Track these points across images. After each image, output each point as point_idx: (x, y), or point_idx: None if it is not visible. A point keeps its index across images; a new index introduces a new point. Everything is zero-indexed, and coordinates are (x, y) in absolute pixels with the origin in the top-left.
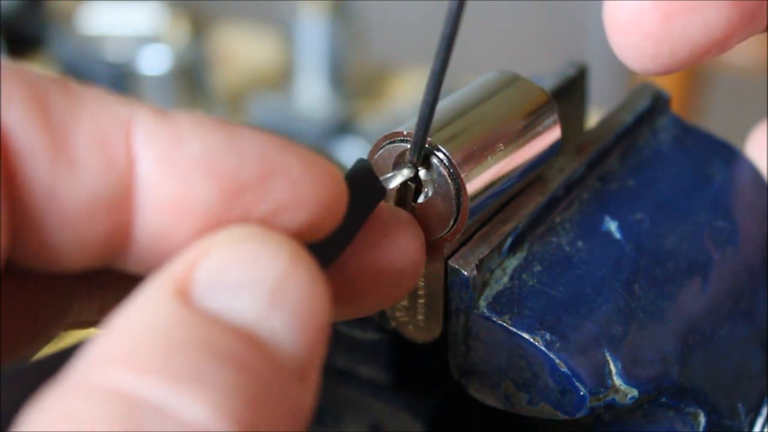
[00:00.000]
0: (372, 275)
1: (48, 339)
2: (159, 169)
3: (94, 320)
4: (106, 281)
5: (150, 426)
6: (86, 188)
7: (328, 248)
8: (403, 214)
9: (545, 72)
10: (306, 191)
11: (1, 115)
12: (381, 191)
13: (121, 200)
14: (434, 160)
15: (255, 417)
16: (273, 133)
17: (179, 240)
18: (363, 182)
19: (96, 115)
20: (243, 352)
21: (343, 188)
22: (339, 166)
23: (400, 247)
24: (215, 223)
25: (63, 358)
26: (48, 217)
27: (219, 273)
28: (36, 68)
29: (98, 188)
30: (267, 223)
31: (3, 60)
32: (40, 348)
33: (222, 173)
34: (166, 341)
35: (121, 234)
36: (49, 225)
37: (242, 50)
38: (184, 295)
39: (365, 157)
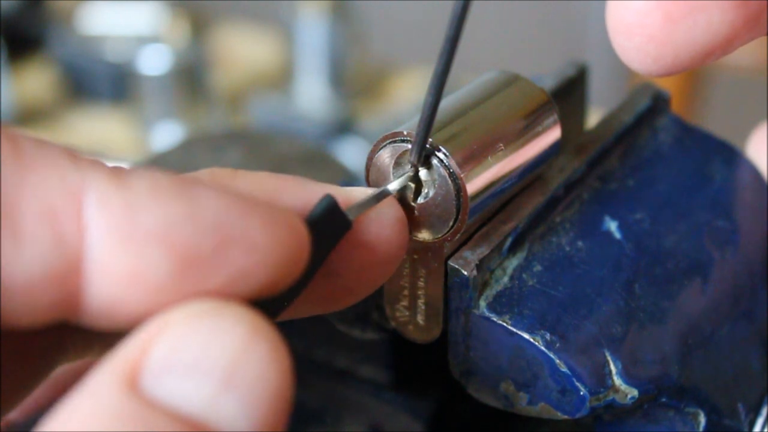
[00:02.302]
0: (353, 261)
1: (41, 379)
2: (110, 241)
3: (94, 357)
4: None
5: None
6: (33, 262)
7: (285, 294)
8: (389, 200)
9: (545, 72)
10: (264, 255)
11: None
12: (347, 224)
13: (68, 273)
14: (434, 161)
15: None
16: (233, 194)
17: (132, 309)
18: (328, 220)
19: (46, 185)
20: None
21: (305, 241)
22: (339, 166)
23: (380, 232)
24: (170, 293)
25: None
26: None
27: (171, 356)
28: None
29: (45, 262)
30: (225, 290)
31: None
32: (30, 386)
33: (177, 245)
34: None
35: (70, 302)
36: None
37: (242, 50)
38: (132, 384)
39: (365, 156)
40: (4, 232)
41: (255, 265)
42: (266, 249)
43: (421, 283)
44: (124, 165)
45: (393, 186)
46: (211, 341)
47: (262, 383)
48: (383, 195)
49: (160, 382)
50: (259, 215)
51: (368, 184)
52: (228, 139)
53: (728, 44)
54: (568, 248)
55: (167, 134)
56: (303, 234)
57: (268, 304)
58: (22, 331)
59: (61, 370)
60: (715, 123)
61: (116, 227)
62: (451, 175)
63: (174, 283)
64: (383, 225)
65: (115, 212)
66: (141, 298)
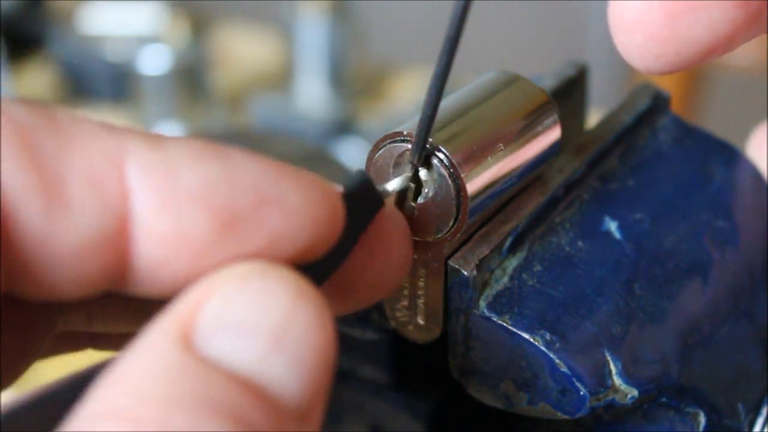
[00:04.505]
0: (357, 273)
1: (38, 351)
2: (154, 203)
3: (80, 330)
4: None
5: None
6: (81, 228)
7: (327, 262)
8: (390, 211)
9: (545, 72)
10: (302, 218)
11: None
12: (379, 201)
13: (116, 236)
14: (434, 161)
15: None
16: (267, 159)
17: (177, 271)
18: (361, 195)
19: (87, 152)
20: (243, 403)
21: (340, 209)
22: (339, 166)
23: (386, 246)
24: (211, 255)
25: (61, 397)
26: (44, 259)
27: (221, 315)
28: (20, 103)
29: (93, 227)
30: (264, 253)
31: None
32: (30, 362)
33: (217, 205)
34: (167, 396)
35: (118, 267)
36: (45, 266)
37: (242, 50)
38: (186, 341)
39: (365, 156)
40: (52, 202)
41: (292, 227)
42: (302, 211)
43: (421, 283)
44: None
45: (393, 186)
46: (260, 301)
47: (310, 343)
48: (411, 178)
49: (212, 340)
50: (293, 179)
51: None
52: (228, 139)
53: (730, 42)
54: (568, 248)
55: (167, 134)
56: (336, 199)
57: (308, 272)
58: (69, 302)
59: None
60: (715, 123)
61: (158, 190)
62: (451, 175)
63: (215, 243)
64: (388, 242)
65: (156, 175)
66: (185, 259)
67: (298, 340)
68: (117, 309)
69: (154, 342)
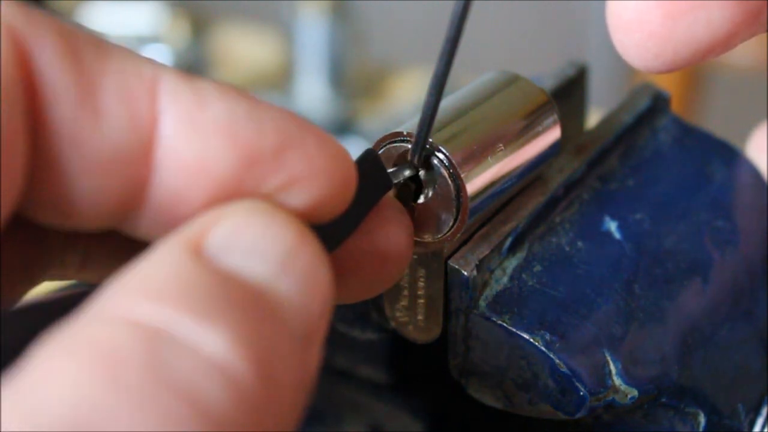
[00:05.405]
0: (357, 261)
1: (31, 286)
2: (181, 130)
3: (73, 274)
4: (91, 238)
5: (171, 356)
6: (108, 139)
7: (332, 233)
8: (392, 202)
9: (545, 72)
10: (319, 166)
11: (32, 51)
12: (388, 182)
13: (141, 156)
14: (434, 161)
15: (266, 363)
16: (288, 110)
17: (193, 203)
18: (371, 170)
19: (123, 70)
20: (255, 304)
21: (353, 170)
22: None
23: (388, 236)
24: (229, 189)
25: (68, 301)
26: (67, 165)
27: (231, 238)
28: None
29: (120, 141)
30: (279, 194)
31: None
32: (23, 294)
33: (241, 140)
34: (185, 284)
35: (137, 191)
36: (67, 173)
37: (242, 50)
38: (198, 252)
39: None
40: (84, 106)
41: (309, 175)
42: (319, 161)
43: (420, 283)
44: None
45: (395, 178)
46: (268, 232)
47: (312, 274)
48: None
49: (223, 256)
50: (314, 132)
51: None
52: None
53: (728, 40)
54: (568, 248)
55: None
56: (350, 162)
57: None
58: (72, 230)
59: None
60: (715, 123)
61: (187, 116)
62: (451, 175)
63: (235, 177)
64: (389, 232)
65: (186, 103)
66: (204, 189)
67: (303, 269)
68: (112, 260)
69: (166, 250)
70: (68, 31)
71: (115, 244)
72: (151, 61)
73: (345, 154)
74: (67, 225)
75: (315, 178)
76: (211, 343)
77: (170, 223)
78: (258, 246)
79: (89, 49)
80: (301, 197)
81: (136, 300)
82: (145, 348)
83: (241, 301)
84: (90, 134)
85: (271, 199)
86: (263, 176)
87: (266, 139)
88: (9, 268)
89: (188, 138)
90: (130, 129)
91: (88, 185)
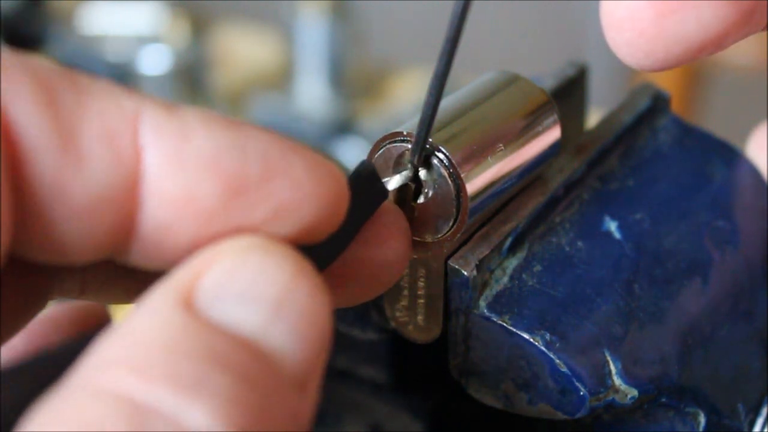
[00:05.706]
0: (355, 266)
1: (33, 315)
2: (165, 165)
3: (74, 298)
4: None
5: (153, 429)
6: (93, 182)
7: (327, 249)
8: (390, 207)
9: (545, 72)
10: (307, 193)
11: (8, 107)
12: (383, 193)
13: (126, 194)
14: (434, 161)
15: (254, 425)
16: (277, 133)
17: (181, 237)
18: (365, 184)
19: (103, 109)
20: (245, 361)
21: (344, 190)
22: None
23: (385, 243)
24: (217, 220)
25: (63, 356)
26: (54, 210)
27: (223, 284)
28: (42, 60)
29: (105, 182)
30: (268, 223)
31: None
32: (26, 322)
33: (226, 172)
34: (170, 347)
35: (125, 228)
36: (54, 218)
37: (242, 50)
38: (188, 305)
39: (365, 156)
40: (66, 152)
41: (297, 201)
42: (308, 186)
43: (420, 283)
44: None
45: (392, 186)
46: (262, 273)
47: (309, 315)
48: (411, 178)
49: (214, 305)
50: (301, 155)
51: None
52: None
53: (721, 40)
54: (568, 248)
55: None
56: (342, 182)
57: (309, 254)
58: (72, 265)
59: (53, 310)
60: (715, 123)
61: (170, 151)
62: (451, 175)
63: (222, 209)
64: (387, 238)
65: (169, 137)
66: (192, 223)
67: (299, 311)
68: (110, 283)
69: (156, 304)
70: (45, 75)
71: (113, 269)
72: (131, 95)
73: (335, 174)
74: (61, 261)
75: (304, 204)
76: (196, 418)
77: (163, 253)
78: (251, 291)
79: (67, 92)
80: (291, 224)
81: (121, 372)
82: (130, 423)
83: (231, 360)
84: (73, 179)
85: (262, 231)
86: (251, 206)
87: (251, 168)
88: (9, 300)
89: (173, 172)
90: (114, 168)
91: (77, 226)
